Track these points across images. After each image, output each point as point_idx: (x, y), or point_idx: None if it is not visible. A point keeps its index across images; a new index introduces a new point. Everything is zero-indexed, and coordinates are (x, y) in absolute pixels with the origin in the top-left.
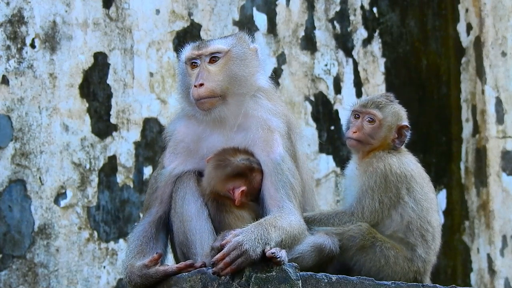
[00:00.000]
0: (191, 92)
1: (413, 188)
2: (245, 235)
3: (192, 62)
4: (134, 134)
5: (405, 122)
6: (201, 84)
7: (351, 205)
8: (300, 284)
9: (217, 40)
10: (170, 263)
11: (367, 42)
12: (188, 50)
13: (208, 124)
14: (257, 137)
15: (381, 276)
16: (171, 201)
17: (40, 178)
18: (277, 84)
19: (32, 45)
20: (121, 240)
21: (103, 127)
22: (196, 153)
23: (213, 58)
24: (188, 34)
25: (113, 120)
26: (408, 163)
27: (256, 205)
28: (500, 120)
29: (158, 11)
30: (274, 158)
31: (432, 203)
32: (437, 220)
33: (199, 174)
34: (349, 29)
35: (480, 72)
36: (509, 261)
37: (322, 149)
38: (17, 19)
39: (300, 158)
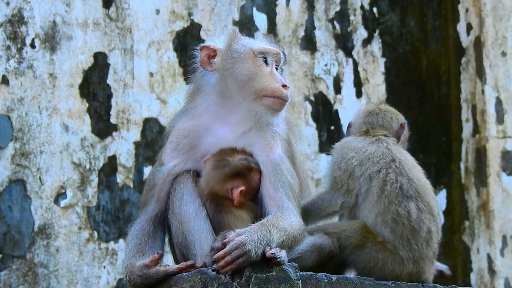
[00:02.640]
0: (270, 87)
1: (365, 164)
2: (248, 235)
3: (265, 57)
4: (134, 134)
5: None
6: (288, 87)
7: (327, 184)
8: (300, 284)
9: None
10: (169, 263)
11: (367, 42)
12: (266, 44)
13: (218, 119)
14: (258, 137)
15: (374, 277)
16: (168, 200)
17: (40, 178)
18: None
19: (32, 45)
20: (121, 240)
21: (103, 127)
22: (199, 149)
23: (277, 64)
24: (188, 34)
25: (113, 120)
26: (366, 143)
27: (255, 204)
28: (500, 120)
29: (158, 11)
30: (273, 158)
31: (402, 189)
32: (414, 207)
33: (197, 175)
34: (349, 29)
35: (480, 72)
36: (509, 261)
37: (322, 149)
38: (17, 19)
39: (298, 158)
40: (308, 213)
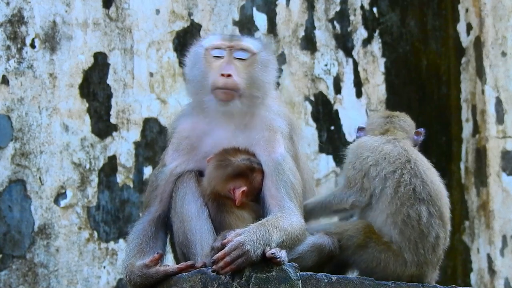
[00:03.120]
0: (212, 79)
1: (380, 164)
2: (247, 235)
3: (217, 52)
4: (134, 134)
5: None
6: (229, 75)
7: (341, 183)
8: (300, 284)
9: (247, 39)
10: (169, 263)
11: (367, 42)
12: (216, 39)
13: (215, 118)
14: (260, 136)
15: (375, 277)
16: (171, 200)
17: (40, 178)
18: (277, 84)
19: (32, 45)
20: (121, 240)
21: (103, 127)
22: (199, 150)
23: (241, 54)
24: (188, 34)
25: (113, 120)
26: (382, 143)
27: (256, 205)
28: (500, 120)
29: (158, 11)
30: (275, 158)
31: (415, 191)
32: (425, 211)
33: (200, 174)
34: (349, 29)
35: (480, 72)
36: (509, 261)
37: (322, 149)
38: (17, 19)
39: (301, 159)
40: (320, 207)
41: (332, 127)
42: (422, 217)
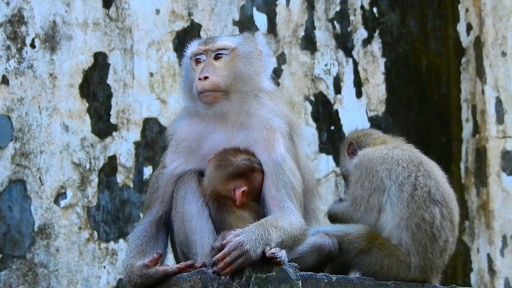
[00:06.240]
0: (194, 85)
1: (395, 170)
2: (246, 236)
3: (197, 58)
4: (134, 134)
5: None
6: (206, 77)
7: (347, 200)
8: (300, 284)
9: (224, 37)
10: (170, 262)
11: (367, 42)
12: (194, 46)
13: (210, 121)
14: (258, 136)
15: (378, 280)
16: (172, 201)
17: (40, 178)
18: (277, 84)
19: (32, 45)
20: (121, 240)
21: (103, 127)
22: (198, 152)
23: (219, 54)
24: (188, 34)
25: (113, 120)
26: (389, 150)
27: (257, 205)
28: (500, 120)
29: (158, 11)
30: (275, 158)
31: (430, 193)
32: (439, 213)
33: (200, 174)
34: (349, 29)
35: (480, 72)
36: (509, 261)
37: (322, 149)
38: (17, 19)
39: (302, 159)
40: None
41: (332, 127)
42: (436, 220)
